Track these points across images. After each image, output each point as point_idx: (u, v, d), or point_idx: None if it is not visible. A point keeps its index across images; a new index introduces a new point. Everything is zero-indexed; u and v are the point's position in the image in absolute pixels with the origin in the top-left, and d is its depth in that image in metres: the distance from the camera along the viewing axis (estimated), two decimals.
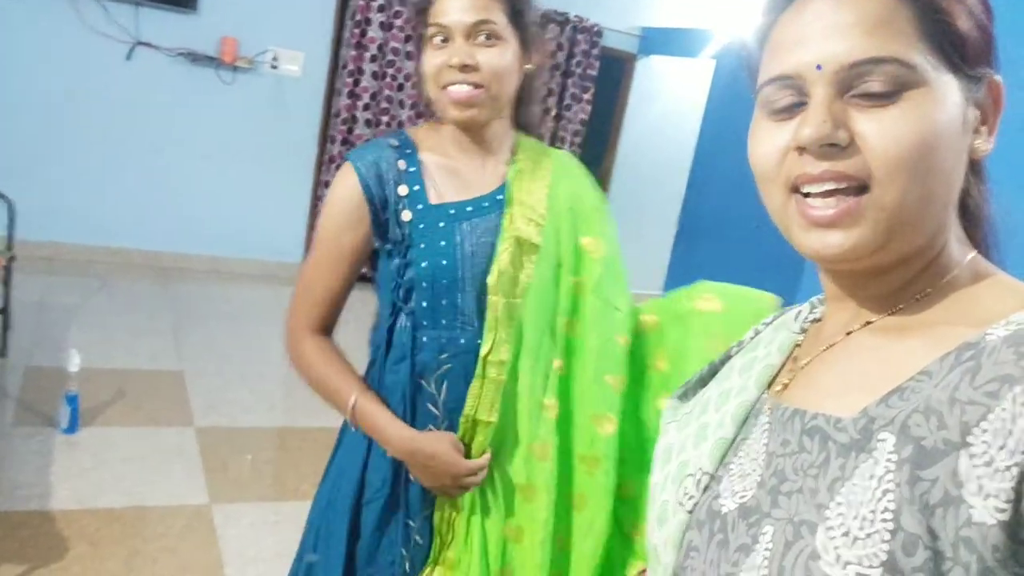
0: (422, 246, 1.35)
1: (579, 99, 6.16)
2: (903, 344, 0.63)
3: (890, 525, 0.53)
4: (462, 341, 1.37)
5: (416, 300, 1.35)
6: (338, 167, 5.59)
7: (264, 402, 3.83)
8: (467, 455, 1.37)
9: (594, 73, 6.13)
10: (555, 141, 6.22)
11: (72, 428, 3.16)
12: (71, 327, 4.16)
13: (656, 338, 1.47)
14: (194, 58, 5.06)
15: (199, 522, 2.82)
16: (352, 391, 1.36)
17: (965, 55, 0.62)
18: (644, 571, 0.88)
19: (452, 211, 1.38)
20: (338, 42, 5.45)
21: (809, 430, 0.64)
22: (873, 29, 0.61)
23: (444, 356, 1.36)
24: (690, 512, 0.74)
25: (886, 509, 0.54)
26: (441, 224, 1.36)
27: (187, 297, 5.01)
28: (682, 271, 4.29)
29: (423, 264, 1.34)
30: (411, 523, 1.39)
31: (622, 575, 1.45)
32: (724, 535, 0.68)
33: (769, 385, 0.76)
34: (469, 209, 1.39)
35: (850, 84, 0.61)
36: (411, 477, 1.37)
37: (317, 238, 1.40)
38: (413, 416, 1.37)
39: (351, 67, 5.38)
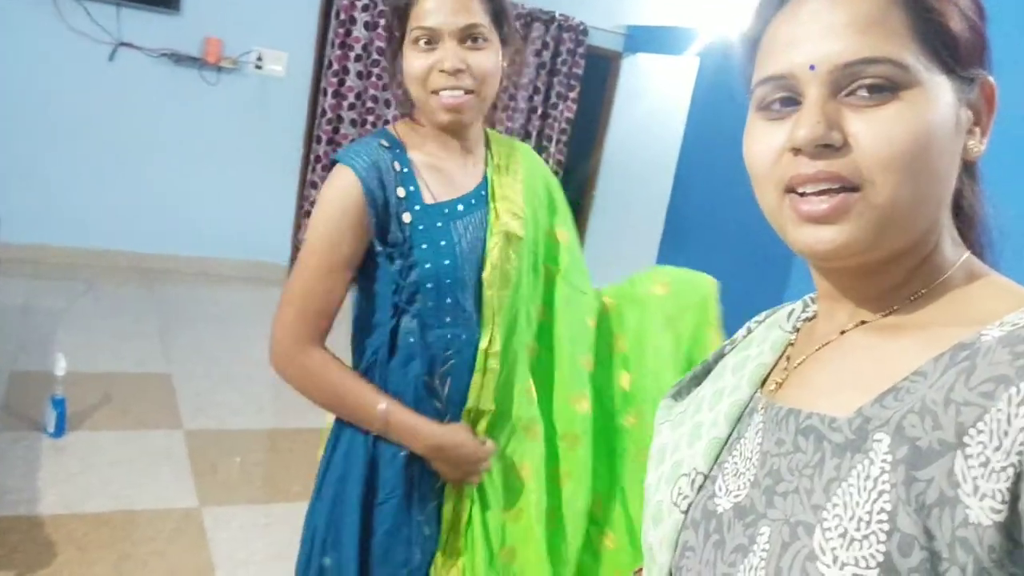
0: (424, 247, 1.35)
1: (565, 98, 6.16)
2: (897, 344, 0.63)
3: (886, 526, 0.54)
4: (463, 337, 1.39)
5: (422, 301, 1.36)
6: (326, 168, 5.49)
7: (253, 404, 3.82)
8: None
9: (579, 72, 6.13)
10: (541, 140, 6.22)
11: (59, 432, 3.14)
12: (57, 331, 4.12)
13: (616, 320, 1.59)
14: (177, 59, 5.03)
15: (189, 525, 2.80)
16: (378, 398, 1.36)
17: (958, 56, 0.62)
18: (640, 571, 0.88)
19: (446, 210, 1.39)
20: (322, 42, 5.43)
21: (804, 430, 0.64)
22: (866, 29, 0.61)
23: (449, 353, 1.39)
24: (685, 512, 0.74)
25: (882, 510, 0.54)
26: (439, 224, 1.37)
27: (173, 299, 4.98)
28: None
29: (427, 265, 1.35)
30: (420, 518, 1.42)
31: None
32: (720, 535, 0.68)
33: (762, 384, 0.77)
34: (460, 208, 1.41)
35: (843, 84, 0.61)
36: (424, 473, 1.40)
37: (313, 246, 1.35)
38: (419, 413, 1.40)
39: (336, 67, 5.36)
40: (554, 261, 1.55)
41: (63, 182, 4.97)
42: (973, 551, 0.50)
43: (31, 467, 2.94)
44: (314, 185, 5.48)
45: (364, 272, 1.39)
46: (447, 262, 1.36)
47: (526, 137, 6.14)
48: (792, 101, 0.64)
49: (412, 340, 1.37)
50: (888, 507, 0.54)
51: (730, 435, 0.75)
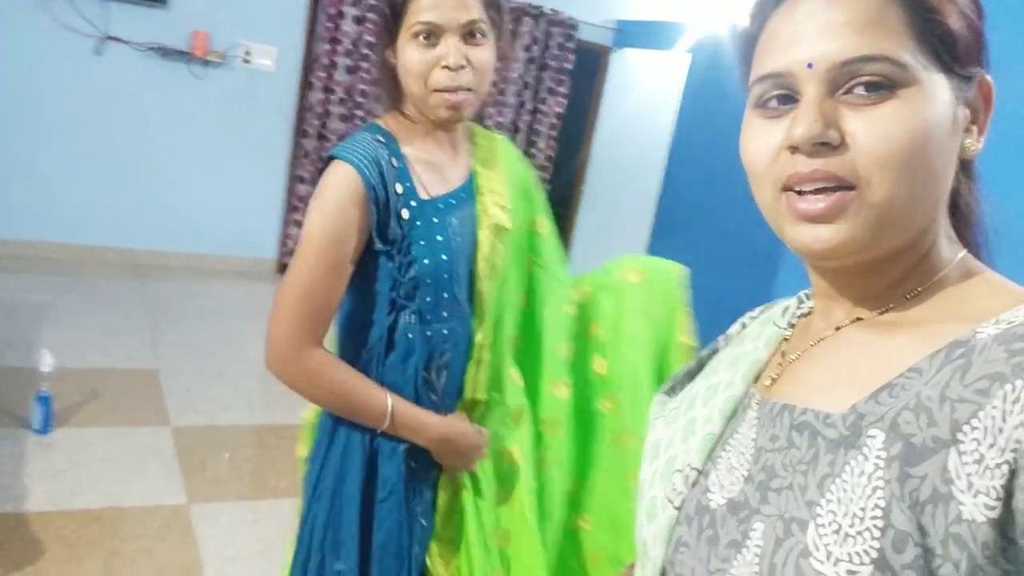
0: (422, 243, 1.34)
1: (554, 92, 6.15)
2: (893, 340, 0.64)
3: (880, 522, 0.54)
4: (459, 330, 1.41)
5: (421, 297, 1.36)
6: (314, 163, 5.43)
7: (241, 400, 3.80)
8: None
9: (569, 66, 6.12)
10: (530, 135, 6.21)
11: (45, 429, 3.12)
12: (43, 326, 4.09)
13: (592, 307, 1.63)
14: (165, 53, 4.99)
15: (177, 522, 2.79)
16: (384, 396, 1.35)
17: (956, 54, 0.62)
18: (632, 566, 0.88)
19: (441, 205, 1.39)
20: (311, 36, 5.40)
21: (798, 425, 0.64)
22: (864, 28, 0.61)
23: (446, 346, 1.40)
24: (678, 508, 0.74)
25: (876, 506, 0.54)
26: (434, 220, 1.37)
27: (162, 294, 4.95)
28: None
29: (425, 261, 1.34)
30: (419, 511, 1.43)
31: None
32: (713, 531, 0.68)
33: (756, 380, 0.77)
34: (453, 202, 1.41)
35: (841, 83, 0.61)
36: (422, 466, 1.42)
37: (313, 243, 1.29)
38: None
39: (324, 61, 5.34)
40: (535, 251, 1.58)
41: (49, 177, 4.93)
42: (967, 547, 0.50)
43: (17, 464, 2.91)
44: (302, 180, 5.46)
45: (359, 269, 1.35)
46: (444, 257, 1.36)
47: (515, 132, 6.13)
48: (789, 99, 0.64)
49: (411, 336, 1.36)
50: (882, 503, 0.54)
51: (724, 431, 0.75)
